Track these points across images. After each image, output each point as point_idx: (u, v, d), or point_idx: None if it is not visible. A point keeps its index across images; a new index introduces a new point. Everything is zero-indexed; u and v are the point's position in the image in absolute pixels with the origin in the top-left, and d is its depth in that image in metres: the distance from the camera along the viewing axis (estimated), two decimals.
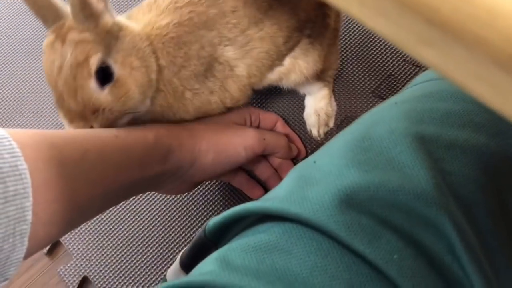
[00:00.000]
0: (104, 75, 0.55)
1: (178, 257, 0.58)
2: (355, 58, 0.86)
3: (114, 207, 0.79)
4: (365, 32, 0.87)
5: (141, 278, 0.75)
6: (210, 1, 0.62)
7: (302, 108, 0.83)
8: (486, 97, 0.18)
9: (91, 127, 0.56)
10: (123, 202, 0.80)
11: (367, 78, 0.84)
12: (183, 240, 0.77)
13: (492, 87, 0.17)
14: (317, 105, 0.80)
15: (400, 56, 0.85)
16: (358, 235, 0.38)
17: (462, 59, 0.17)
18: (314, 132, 0.81)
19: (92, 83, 0.54)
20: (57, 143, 0.49)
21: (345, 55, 0.86)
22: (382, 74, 0.84)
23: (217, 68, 0.64)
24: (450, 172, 0.41)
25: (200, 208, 0.79)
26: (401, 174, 0.40)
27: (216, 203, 0.79)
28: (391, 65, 0.85)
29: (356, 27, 0.89)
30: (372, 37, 0.87)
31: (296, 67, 0.70)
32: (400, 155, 0.42)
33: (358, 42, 0.87)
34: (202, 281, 0.39)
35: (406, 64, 0.84)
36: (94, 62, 0.54)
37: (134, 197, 0.80)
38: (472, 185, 0.40)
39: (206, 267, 0.41)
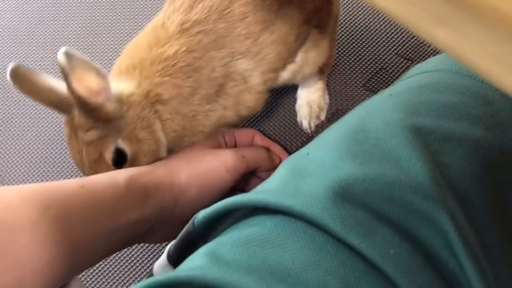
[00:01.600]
0: (119, 157, 0.59)
1: (165, 250, 0.56)
2: (347, 51, 0.85)
3: None
4: (357, 24, 0.86)
5: (126, 272, 0.73)
6: (216, 14, 0.60)
7: (293, 100, 0.82)
8: (504, 81, 0.17)
9: None
10: None
11: (359, 71, 0.83)
12: None
13: None
14: (310, 97, 0.79)
15: (393, 49, 0.84)
16: (353, 229, 0.37)
17: (481, 39, 0.16)
18: (305, 124, 0.80)
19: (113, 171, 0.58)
20: (14, 203, 0.45)
21: (337, 47, 0.85)
22: (374, 67, 0.83)
23: (230, 85, 0.63)
24: (447, 165, 0.40)
25: None
26: (397, 167, 0.39)
27: None
28: (383, 58, 0.84)
29: (349, 19, 0.87)
30: (365, 30, 0.86)
31: (309, 60, 0.69)
32: (396, 147, 0.41)
33: (350, 34, 0.86)
34: (190, 276, 0.37)
35: (398, 58, 0.83)
36: (108, 156, 0.58)
37: None
38: (470, 179, 0.40)
39: (195, 262, 0.40)
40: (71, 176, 0.84)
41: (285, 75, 0.68)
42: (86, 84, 0.53)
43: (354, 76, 0.83)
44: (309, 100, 0.79)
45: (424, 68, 0.52)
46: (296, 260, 0.37)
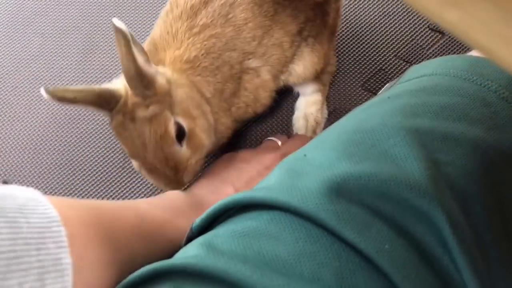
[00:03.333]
0: (179, 132, 0.59)
1: None
2: (346, 51, 0.85)
3: (95, 190, 0.77)
4: (357, 26, 0.87)
5: None
6: (221, 19, 0.63)
7: (293, 100, 0.82)
8: None
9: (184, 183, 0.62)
10: (104, 191, 0.78)
11: (358, 71, 0.83)
12: None
13: None
14: (308, 109, 0.78)
15: (391, 51, 0.84)
16: (349, 224, 0.37)
17: (490, 20, 0.16)
18: None
19: (176, 147, 0.59)
20: (104, 221, 0.44)
21: (338, 47, 0.85)
22: (373, 68, 0.83)
23: (246, 78, 0.67)
24: (446, 162, 0.40)
25: None
26: (394, 166, 0.39)
27: None
28: (382, 59, 0.84)
29: (348, 20, 0.88)
30: (364, 32, 0.86)
31: (299, 67, 0.72)
32: (393, 147, 0.40)
33: (351, 36, 0.86)
34: (185, 263, 0.37)
35: (397, 60, 0.83)
36: (171, 129, 0.58)
37: (116, 185, 0.78)
38: (468, 177, 0.39)
39: (190, 252, 0.40)
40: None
41: (286, 75, 0.72)
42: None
43: (353, 76, 0.83)
44: (306, 112, 0.78)
45: (421, 72, 0.51)
46: (291, 251, 0.37)
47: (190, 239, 0.45)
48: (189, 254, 0.39)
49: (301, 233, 0.38)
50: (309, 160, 0.42)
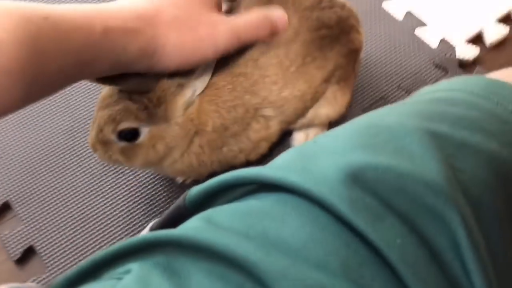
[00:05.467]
0: (131, 134, 0.59)
1: (146, 230, 0.53)
2: None
3: (74, 178, 0.74)
4: (365, 54, 0.87)
5: (104, 249, 0.69)
6: (251, 61, 0.62)
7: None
8: None
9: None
10: (84, 171, 0.75)
11: (360, 97, 0.83)
12: (152, 211, 0.71)
13: None
14: (309, 138, 0.76)
15: (395, 82, 0.85)
16: (362, 213, 0.35)
17: None
18: None
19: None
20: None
21: None
22: (376, 95, 0.84)
23: (255, 127, 0.65)
24: (461, 169, 0.39)
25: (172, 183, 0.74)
26: (410, 162, 0.38)
27: None
28: (385, 88, 0.84)
29: None
30: (371, 60, 0.87)
31: (321, 114, 0.71)
32: (410, 145, 0.39)
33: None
34: (181, 235, 0.35)
35: (400, 90, 0.84)
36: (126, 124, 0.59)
37: (97, 164, 0.75)
38: (482, 186, 0.38)
39: (188, 225, 0.37)
40: None
41: (294, 126, 0.72)
42: None
43: (355, 101, 0.83)
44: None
45: (436, 87, 0.51)
46: (297, 236, 0.35)
47: (181, 213, 0.42)
48: (187, 226, 0.37)
49: (308, 218, 0.36)
50: (321, 146, 0.41)
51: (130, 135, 0.59)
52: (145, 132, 0.59)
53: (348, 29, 0.69)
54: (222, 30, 0.56)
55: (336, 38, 0.67)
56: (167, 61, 0.54)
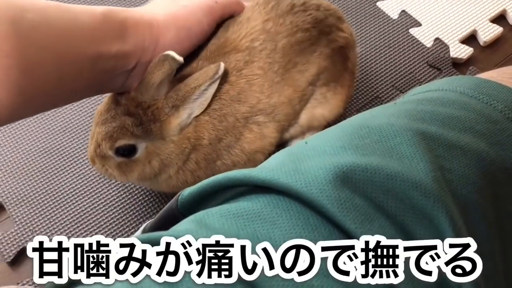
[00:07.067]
0: (128, 151, 0.60)
1: (138, 231, 0.53)
2: None
3: (67, 179, 0.74)
4: (360, 54, 0.87)
5: None
6: (235, 71, 0.62)
7: None
8: None
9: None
10: (77, 173, 0.75)
11: (354, 96, 0.83)
12: (144, 214, 0.72)
13: None
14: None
15: (389, 81, 0.85)
16: (351, 214, 0.35)
17: None
18: None
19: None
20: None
21: None
22: (370, 95, 0.84)
23: (248, 137, 0.64)
24: (450, 169, 0.39)
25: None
26: (399, 163, 0.38)
27: None
28: (379, 88, 0.85)
29: None
30: (366, 60, 0.87)
31: (317, 115, 0.70)
32: (399, 145, 0.40)
33: None
34: (174, 237, 0.35)
35: (394, 90, 0.84)
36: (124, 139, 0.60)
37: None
38: (471, 186, 0.39)
39: (180, 227, 0.37)
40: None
41: (290, 132, 0.71)
42: None
43: (350, 100, 0.83)
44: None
45: (427, 88, 0.52)
46: (287, 237, 0.35)
47: (173, 214, 0.42)
48: (179, 229, 0.37)
49: (298, 220, 0.36)
50: (311, 147, 0.41)
51: (128, 151, 0.60)
52: (142, 148, 0.60)
53: (328, 30, 0.68)
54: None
55: (316, 40, 0.66)
56: (166, 31, 0.58)
